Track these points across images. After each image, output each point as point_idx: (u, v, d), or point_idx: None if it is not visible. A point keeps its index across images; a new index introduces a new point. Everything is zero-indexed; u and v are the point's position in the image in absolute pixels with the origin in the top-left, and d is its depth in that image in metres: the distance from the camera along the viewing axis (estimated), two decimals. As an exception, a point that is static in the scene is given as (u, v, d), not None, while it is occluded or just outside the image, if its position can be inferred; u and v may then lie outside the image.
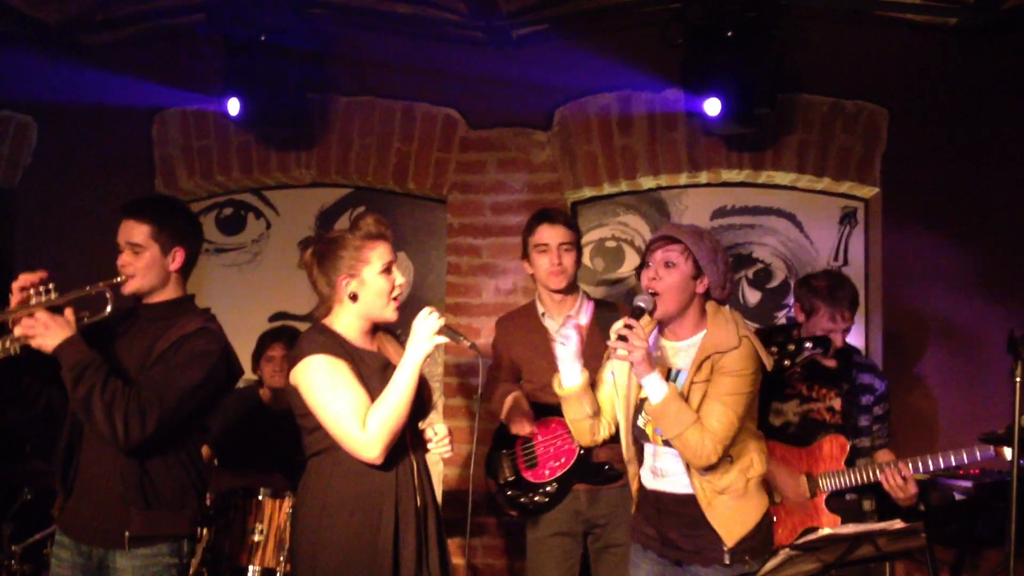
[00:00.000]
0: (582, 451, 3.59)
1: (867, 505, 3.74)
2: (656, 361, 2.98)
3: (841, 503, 3.64)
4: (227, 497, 3.60)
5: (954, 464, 3.50)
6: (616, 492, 3.60)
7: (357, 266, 2.82)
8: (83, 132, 5.10)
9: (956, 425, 4.27)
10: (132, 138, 5.10)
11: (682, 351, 3.00)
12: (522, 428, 3.63)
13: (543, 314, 3.75)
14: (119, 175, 5.04)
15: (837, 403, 3.69)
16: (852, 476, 3.58)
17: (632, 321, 2.89)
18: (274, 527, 3.53)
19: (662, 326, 3.05)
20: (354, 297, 2.83)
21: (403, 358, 2.77)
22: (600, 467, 3.60)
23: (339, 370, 2.75)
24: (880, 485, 3.56)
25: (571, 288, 3.75)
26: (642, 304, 2.96)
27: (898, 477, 3.50)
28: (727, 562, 2.90)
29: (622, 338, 2.84)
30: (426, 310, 2.78)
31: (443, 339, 2.76)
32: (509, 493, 3.69)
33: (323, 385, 2.73)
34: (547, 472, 3.63)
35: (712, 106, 4.22)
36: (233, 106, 4.51)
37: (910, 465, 3.52)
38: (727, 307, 3.03)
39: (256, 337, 4.39)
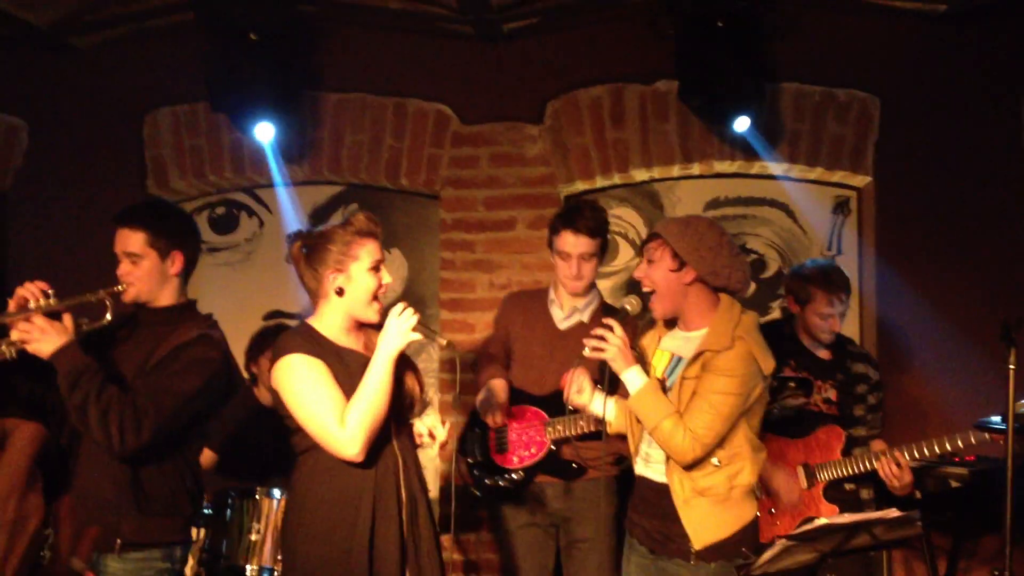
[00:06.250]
0: (552, 446, 3.60)
1: (865, 494, 3.75)
2: (665, 348, 3.03)
3: (839, 493, 3.65)
4: (223, 496, 3.60)
5: (949, 451, 3.51)
6: (582, 487, 3.59)
7: (345, 261, 2.78)
8: (74, 133, 5.08)
9: (950, 412, 4.27)
10: (123, 139, 5.07)
11: (689, 341, 3.01)
12: (493, 420, 3.63)
13: (552, 301, 3.75)
14: (111, 176, 5.01)
15: (832, 394, 3.70)
16: (849, 466, 3.59)
17: (611, 321, 2.94)
18: (271, 526, 3.52)
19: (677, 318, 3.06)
20: (340, 292, 2.79)
21: (375, 354, 2.73)
22: (567, 464, 3.60)
23: (315, 369, 2.71)
24: (877, 473, 3.57)
25: (586, 290, 3.72)
26: (627, 306, 3.07)
27: (893, 466, 3.50)
28: (691, 561, 2.89)
29: (599, 338, 2.91)
30: (399, 306, 2.75)
31: (416, 336, 2.73)
32: (476, 473, 3.71)
33: (299, 386, 2.71)
34: (516, 459, 3.63)
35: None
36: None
37: (905, 453, 3.52)
38: (738, 305, 2.98)
39: (250, 336, 4.37)
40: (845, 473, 3.59)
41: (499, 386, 3.63)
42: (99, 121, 5.04)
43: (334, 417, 2.67)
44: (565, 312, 3.69)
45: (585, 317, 3.68)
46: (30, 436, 3.35)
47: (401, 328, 2.72)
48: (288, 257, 2.93)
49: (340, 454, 2.70)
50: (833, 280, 3.66)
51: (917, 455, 3.52)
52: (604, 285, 4.86)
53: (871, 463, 3.55)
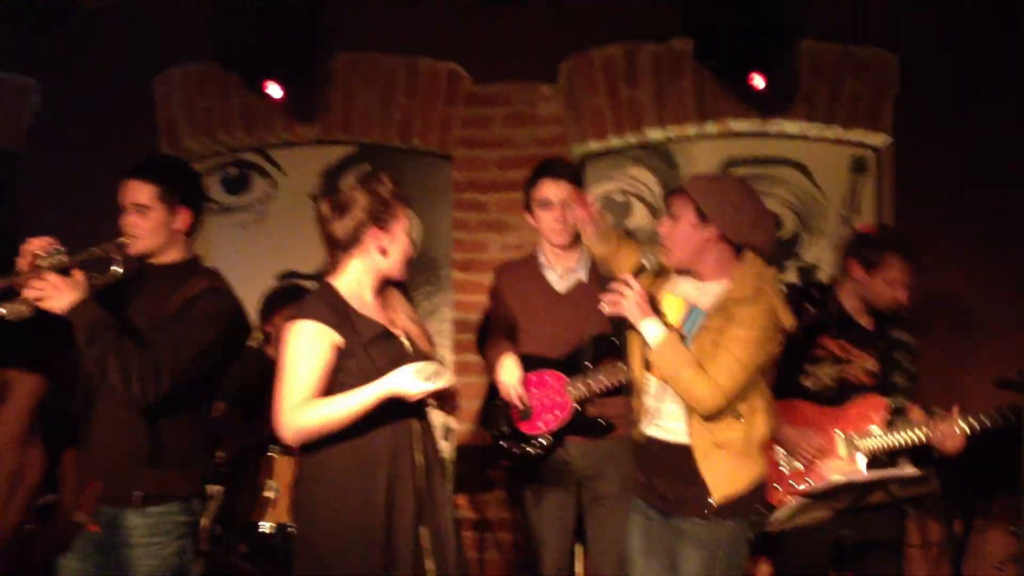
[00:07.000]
0: (577, 406, 3.59)
1: (903, 462, 3.63)
2: (678, 295, 3.01)
3: (876, 463, 3.43)
4: (240, 455, 3.61)
5: (1002, 423, 3.34)
6: (607, 445, 3.58)
7: (390, 221, 2.78)
8: (85, 94, 5.05)
9: (972, 373, 4.23)
10: (134, 99, 5.04)
11: (705, 291, 3.00)
12: (519, 399, 3.58)
13: (543, 266, 3.73)
14: (122, 136, 4.98)
15: (872, 364, 3.55)
16: (894, 438, 3.40)
17: (627, 276, 2.96)
18: (286, 484, 3.54)
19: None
20: (384, 251, 2.79)
21: (373, 384, 2.67)
22: (594, 421, 3.58)
23: (317, 344, 2.69)
24: (918, 445, 3.40)
25: (574, 242, 3.72)
26: (644, 262, 3.09)
27: (952, 428, 3.32)
28: (708, 516, 2.88)
29: (616, 292, 2.92)
30: (432, 367, 2.68)
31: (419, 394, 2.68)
32: (503, 444, 3.71)
33: (292, 354, 2.70)
34: (541, 424, 3.61)
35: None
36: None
37: (961, 423, 3.34)
38: (760, 260, 2.96)
39: (263, 296, 4.36)
40: (890, 446, 3.40)
41: (512, 362, 3.61)
42: (110, 81, 5.01)
43: (294, 398, 2.67)
44: (559, 273, 3.69)
45: (584, 276, 3.67)
46: (30, 388, 3.36)
47: (418, 389, 2.65)
48: (317, 217, 2.86)
49: (276, 430, 2.72)
50: (911, 248, 3.49)
51: (968, 428, 3.34)
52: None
53: (918, 435, 3.38)
